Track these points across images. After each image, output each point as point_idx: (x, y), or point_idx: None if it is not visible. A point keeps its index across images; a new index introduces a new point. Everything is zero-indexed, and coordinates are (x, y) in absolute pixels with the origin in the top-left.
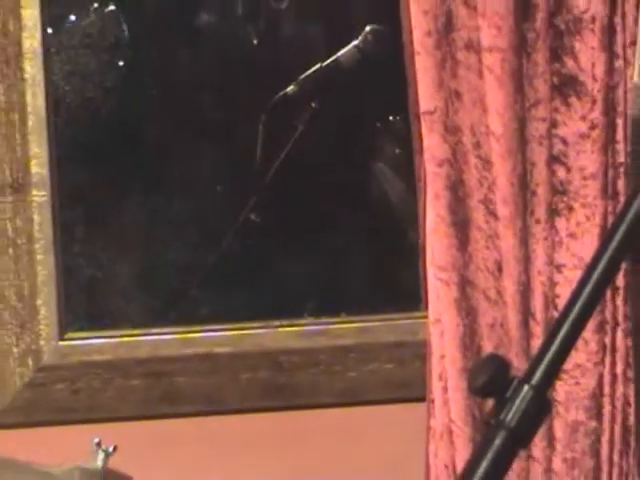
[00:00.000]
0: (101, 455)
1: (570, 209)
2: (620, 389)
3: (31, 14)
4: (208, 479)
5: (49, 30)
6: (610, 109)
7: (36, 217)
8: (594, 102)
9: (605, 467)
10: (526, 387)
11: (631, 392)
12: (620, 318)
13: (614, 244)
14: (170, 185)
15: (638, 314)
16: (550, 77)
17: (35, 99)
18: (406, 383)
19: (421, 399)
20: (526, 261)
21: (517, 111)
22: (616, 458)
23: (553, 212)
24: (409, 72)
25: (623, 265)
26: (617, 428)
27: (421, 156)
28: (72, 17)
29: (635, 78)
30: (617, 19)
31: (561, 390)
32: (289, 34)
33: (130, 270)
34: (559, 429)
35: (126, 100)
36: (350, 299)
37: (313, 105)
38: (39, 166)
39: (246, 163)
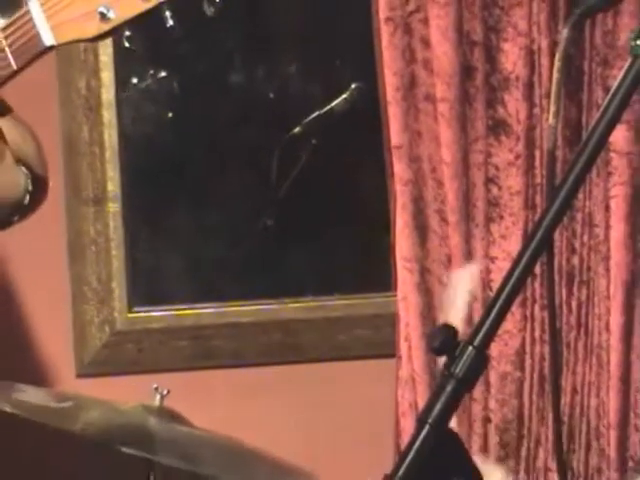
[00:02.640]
0: (158, 396)
1: (501, 217)
2: (537, 348)
3: (107, 75)
4: (235, 412)
5: (120, 87)
6: (530, 144)
7: (111, 222)
8: (518, 139)
9: (526, 405)
10: (470, 347)
11: (545, 351)
12: (537, 296)
13: (533, 244)
14: (209, 199)
15: (550, 294)
16: (486, 120)
17: (110, 137)
18: (381, 344)
19: (392, 356)
20: (468, 255)
21: (462, 145)
22: (535, 398)
23: (488, 219)
24: (383, 117)
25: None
26: (535, 377)
27: (392, 178)
28: (136, 78)
29: (550, 121)
30: (535, 78)
31: (495, 349)
32: (296, 89)
33: (179, 261)
34: (493, 377)
35: (176, 137)
36: (340, 283)
37: (313, 142)
38: (113, 185)
39: (264, 183)
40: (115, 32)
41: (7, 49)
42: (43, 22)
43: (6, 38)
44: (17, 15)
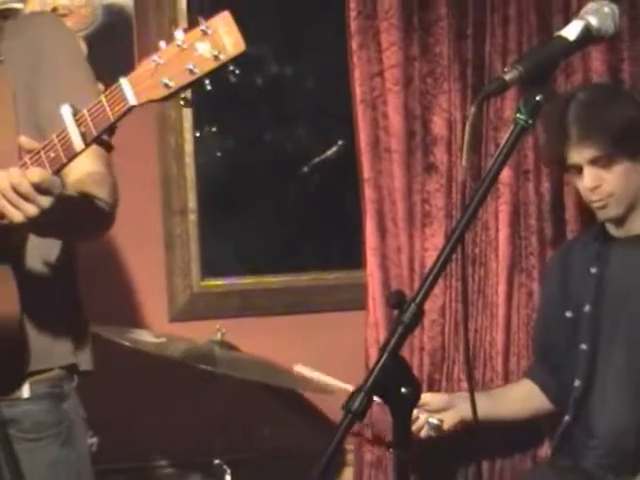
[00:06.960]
0: (219, 334)
1: (431, 223)
2: (453, 305)
3: (188, 135)
4: (268, 344)
5: (196, 142)
6: (450, 179)
7: (190, 226)
8: (442, 175)
9: (447, 340)
10: (413, 304)
11: (459, 306)
12: (454, 273)
13: (451, 240)
14: (250, 212)
15: (463, 271)
16: (422, 164)
17: (190, 173)
18: (357, 301)
19: (364, 309)
20: (411, 247)
21: (408, 180)
22: (452, 336)
23: (423, 225)
24: (358, 162)
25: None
26: (452, 322)
27: (363, 199)
28: (206, 137)
29: (462, 164)
30: (453, 138)
31: (427, 305)
32: (304, 144)
33: (232, 250)
34: (426, 323)
35: (230, 174)
36: (332, 263)
37: (316, 177)
38: (192, 203)
39: (285, 203)
40: (176, 94)
41: (107, 108)
42: (129, 90)
43: (107, 101)
44: (113, 86)
